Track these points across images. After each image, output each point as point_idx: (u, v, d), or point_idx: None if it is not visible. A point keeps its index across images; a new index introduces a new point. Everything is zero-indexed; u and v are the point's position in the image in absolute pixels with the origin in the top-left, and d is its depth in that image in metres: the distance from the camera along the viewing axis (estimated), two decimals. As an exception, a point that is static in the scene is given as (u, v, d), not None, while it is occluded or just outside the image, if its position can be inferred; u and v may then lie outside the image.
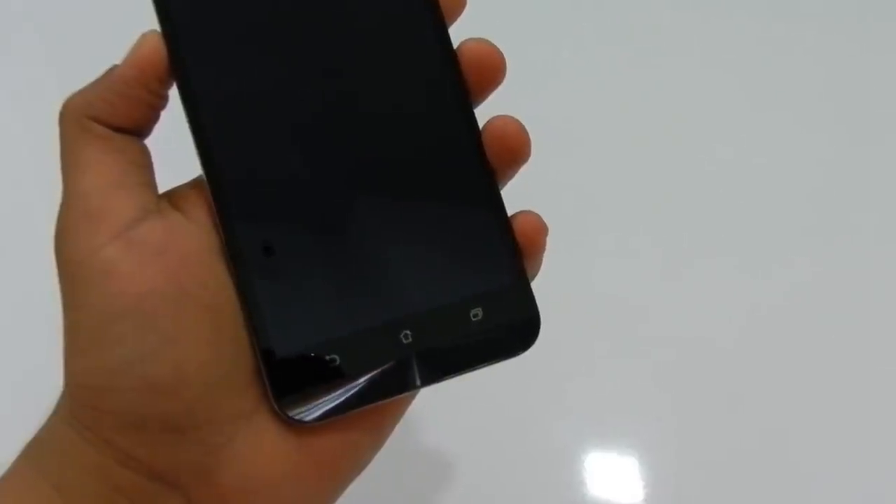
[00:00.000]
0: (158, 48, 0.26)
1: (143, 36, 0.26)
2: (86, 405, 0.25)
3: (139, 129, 0.26)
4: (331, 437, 0.26)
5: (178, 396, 0.24)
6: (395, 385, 0.26)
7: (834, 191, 0.52)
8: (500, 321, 0.27)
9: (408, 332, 0.26)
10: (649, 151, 0.54)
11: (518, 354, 0.27)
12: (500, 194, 0.28)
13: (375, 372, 0.26)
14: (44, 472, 0.25)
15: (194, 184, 0.27)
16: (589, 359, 0.44)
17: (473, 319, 0.27)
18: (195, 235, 0.26)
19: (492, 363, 0.27)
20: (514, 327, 0.27)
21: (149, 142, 0.28)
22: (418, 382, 0.26)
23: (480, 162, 0.27)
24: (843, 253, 0.49)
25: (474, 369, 0.27)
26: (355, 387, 0.26)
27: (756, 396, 0.43)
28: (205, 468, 0.25)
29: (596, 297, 0.47)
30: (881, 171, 0.53)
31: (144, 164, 0.27)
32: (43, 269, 0.51)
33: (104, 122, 0.25)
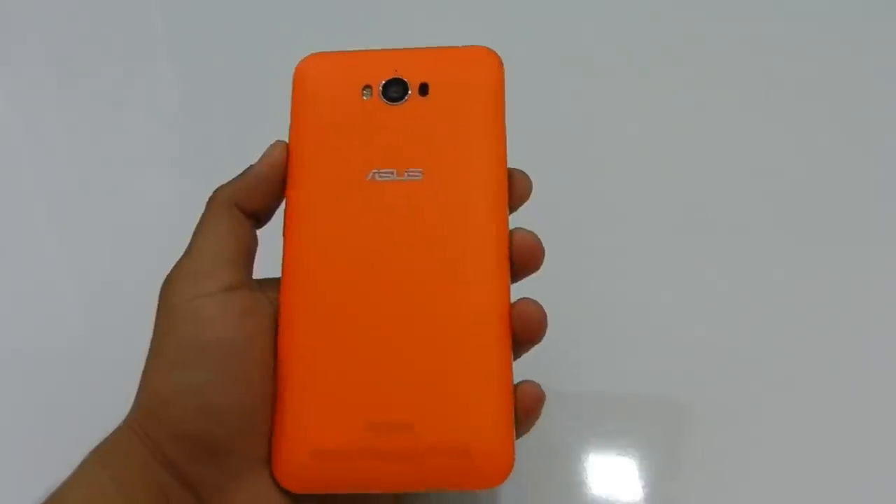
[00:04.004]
0: (285, 154, 0.33)
1: (274, 144, 0.33)
2: (151, 414, 0.30)
3: (263, 214, 0.33)
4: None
5: (220, 424, 0.30)
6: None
7: (836, 191, 0.52)
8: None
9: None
10: (646, 151, 0.54)
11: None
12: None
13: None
14: (105, 465, 0.30)
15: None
16: (589, 358, 0.45)
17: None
18: (268, 314, 0.32)
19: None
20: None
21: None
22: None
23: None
24: (847, 253, 0.49)
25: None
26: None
27: (756, 396, 0.43)
28: (224, 488, 0.30)
29: (596, 297, 0.47)
30: (883, 171, 0.53)
31: (252, 249, 0.33)
32: (41, 268, 0.51)
33: (241, 207, 0.32)
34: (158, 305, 0.32)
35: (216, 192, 0.33)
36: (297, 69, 0.35)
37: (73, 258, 0.52)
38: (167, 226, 0.52)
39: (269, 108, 0.58)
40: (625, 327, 0.46)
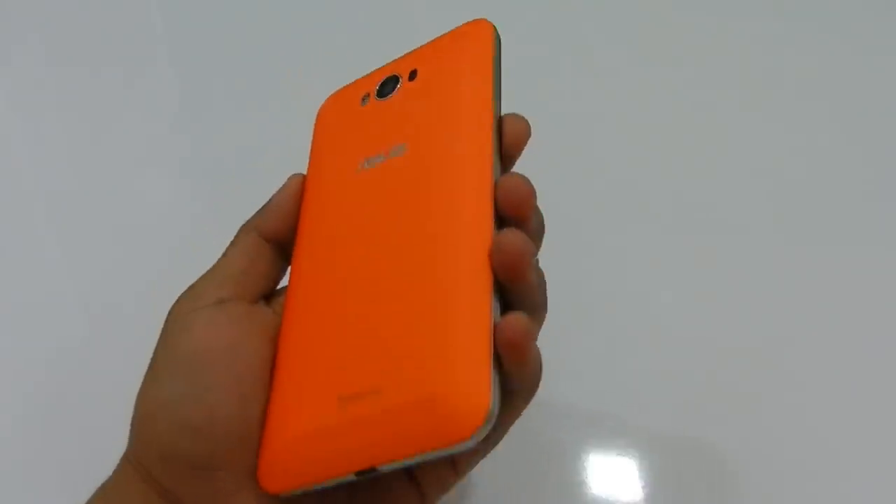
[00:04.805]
0: (300, 184, 0.35)
1: (292, 176, 0.35)
2: (139, 436, 0.30)
3: (285, 241, 0.34)
4: None
5: (203, 439, 0.29)
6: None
7: (837, 191, 0.52)
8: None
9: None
10: (646, 150, 0.54)
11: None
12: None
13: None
14: (107, 499, 0.31)
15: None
16: (589, 358, 0.44)
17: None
18: (266, 323, 0.32)
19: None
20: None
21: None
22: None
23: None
24: (846, 253, 0.49)
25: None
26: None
27: (756, 395, 0.43)
28: None
29: (596, 297, 0.47)
30: (883, 170, 0.53)
31: (265, 270, 0.33)
32: (41, 268, 0.51)
33: (262, 233, 0.34)
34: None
35: (246, 222, 0.34)
36: (318, 112, 0.37)
37: (72, 258, 0.52)
38: (167, 225, 0.52)
39: (270, 108, 0.58)
40: (625, 327, 0.46)
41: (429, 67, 0.34)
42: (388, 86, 0.34)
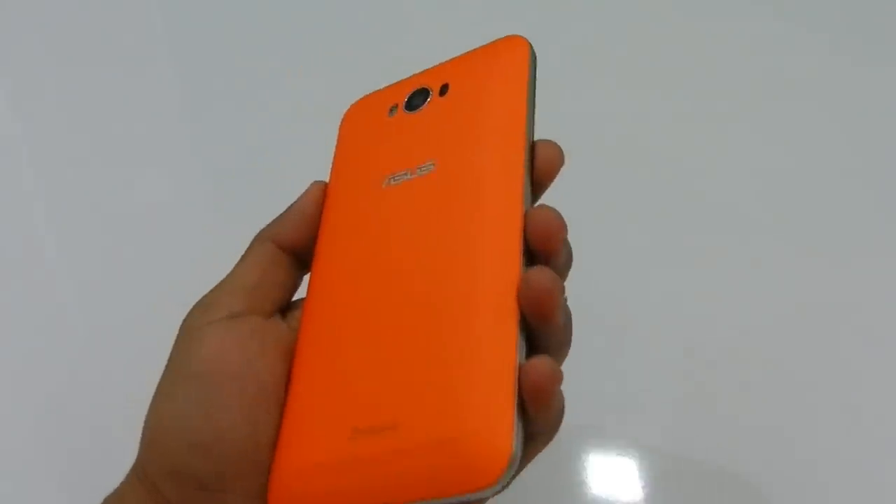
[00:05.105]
0: (321, 192, 0.34)
1: (313, 183, 0.34)
2: (147, 448, 0.29)
3: (303, 251, 0.33)
4: None
5: (212, 458, 0.28)
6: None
7: (838, 192, 0.52)
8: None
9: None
10: (645, 150, 0.54)
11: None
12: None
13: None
14: None
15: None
16: (589, 358, 0.44)
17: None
18: (280, 338, 0.31)
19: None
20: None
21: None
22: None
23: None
24: (847, 253, 0.49)
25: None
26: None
27: (756, 396, 0.43)
28: None
29: (596, 297, 0.47)
30: (884, 169, 0.53)
31: (281, 281, 0.32)
32: (40, 268, 0.51)
33: (278, 242, 0.32)
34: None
35: (261, 230, 0.33)
36: (343, 117, 0.36)
37: (72, 259, 0.52)
38: (166, 225, 0.52)
39: (270, 108, 0.58)
40: (625, 327, 0.46)
41: (461, 83, 0.33)
42: (417, 99, 0.34)
